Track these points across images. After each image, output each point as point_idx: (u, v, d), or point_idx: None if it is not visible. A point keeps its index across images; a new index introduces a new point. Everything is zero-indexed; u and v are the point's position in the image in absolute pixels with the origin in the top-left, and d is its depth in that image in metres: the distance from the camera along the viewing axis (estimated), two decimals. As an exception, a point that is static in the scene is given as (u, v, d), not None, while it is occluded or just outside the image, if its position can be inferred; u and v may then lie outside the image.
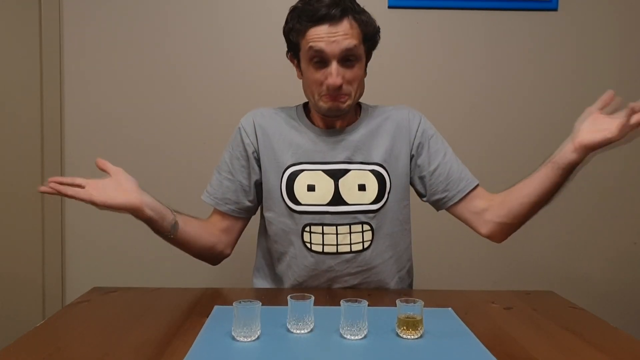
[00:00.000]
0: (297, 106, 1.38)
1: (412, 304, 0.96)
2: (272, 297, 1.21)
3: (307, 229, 1.29)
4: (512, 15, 2.15)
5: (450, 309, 1.14)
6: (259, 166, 1.32)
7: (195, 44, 2.13)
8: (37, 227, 2.14)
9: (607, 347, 0.95)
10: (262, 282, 1.41)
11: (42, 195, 2.13)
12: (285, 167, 1.29)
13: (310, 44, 1.19)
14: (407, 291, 1.38)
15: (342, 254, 1.29)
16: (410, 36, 2.14)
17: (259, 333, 0.94)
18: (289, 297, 0.98)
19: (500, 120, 2.19)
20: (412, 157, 1.34)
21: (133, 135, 2.14)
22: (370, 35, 1.25)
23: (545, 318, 1.11)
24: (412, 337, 0.95)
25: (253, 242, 1.46)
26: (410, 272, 1.44)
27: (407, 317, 0.96)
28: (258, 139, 1.32)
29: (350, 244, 1.29)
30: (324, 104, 1.25)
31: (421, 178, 1.35)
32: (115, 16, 2.11)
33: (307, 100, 1.34)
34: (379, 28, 1.27)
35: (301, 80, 1.31)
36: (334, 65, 1.19)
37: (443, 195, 1.33)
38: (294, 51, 1.28)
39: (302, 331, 0.97)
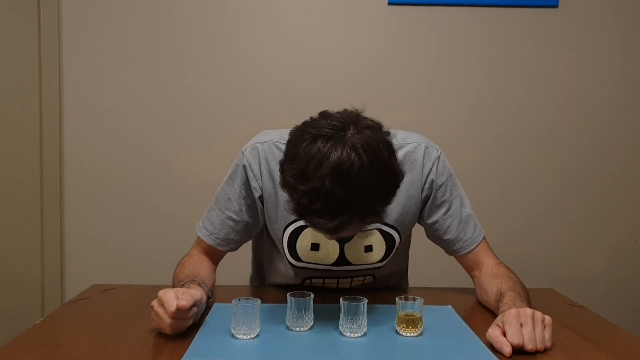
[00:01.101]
0: None
1: (411, 301, 0.96)
2: (272, 294, 1.21)
3: (308, 281, 1.26)
4: (512, 12, 2.15)
5: (449, 306, 1.14)
6: (263, 209, 1.20)
7: (196, 42, 2.12)
8: (36, 224, 2.14)
9: (606, 345, 0.95)
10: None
11: (41, 193, 2.13)
12: (289, 221, 1.18)
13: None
14: (407, 289, 1.38)
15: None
16: (410, 33, 2.14)
17: (258, 330, 0.94)
18: (288, 295, 0.98)
19: (500, 117, 2.19)
20: (420, 207, 1.22)
21: (132, 133, 2.14)
22: (386, 205, 0.96)
23: (544, 316, 1.11)
24: (412, 334, 0.95)
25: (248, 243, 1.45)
26: (405, 274, 1.45)
27: (407, 315, 0.95)
28: (264, 184, 1.16)
29: (351, 287, 1.28)
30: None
31: (421, 224, 1.27)
32: (115, 14, 2.11)
33: None
34: (396, 171, 0.95)
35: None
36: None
37: (439, 246, 1.27)
38: None
39: (302, 329, 0.97)
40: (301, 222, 1.17)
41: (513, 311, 0.91)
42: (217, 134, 2.13)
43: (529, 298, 1.06)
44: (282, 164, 0.95)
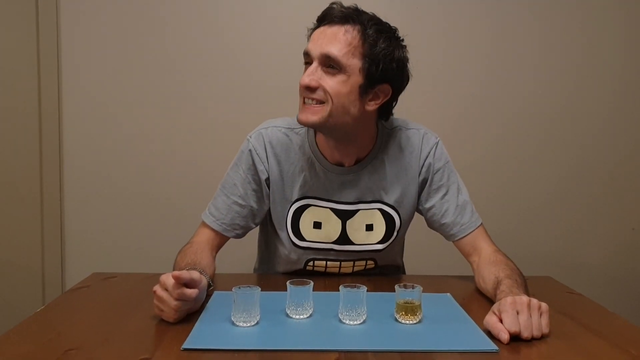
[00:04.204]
0: (307, 128, 1.25)
1: (410, 289, 0.97)
2: (272, 282, 1.21)
3: (311, 263, 1.28)
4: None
5: (448, 294, 1.15)
6: (269, 194, 1.25)
7: (194, 38, 2.11)
8: (36, 213, 2.14)
9: (603, 332, 0.95)
10: None
11: (41, 183, 2.13)
12: (292, 201, 1.23)
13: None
14: (405, 277, 1.39)
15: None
16: (408, 20, 2.12)
17: (258, 318, 0.94)
18: (288, 283, 0.98)
19: (501, 108, 2.19)
20: (418, 191, 1.27)
21: (130, 124, 2.13)
22: (376, 58, 1.09)
23: (542, 303, 1.12)
24: (411, 322, 0.95)
25: (253, 231, 1.45)
26: (401, 265, 1.47)
27: (406, 303, 0.96)
28: (270, 166, 1.23)
29: (353, 273, 1.30)
30: (299, 115, 1.14)
31: (419, 210, 1.31)
32: (112, 11, 2.09)
33: None
34: (401, 59, 1.13)
35: None
36: (312, 65, 1.11)
37: (439, 232, 1.29)
38: None
39: (301, 316, 0.97)
40: (304, 202, 1.22)
41: (509, 299, 0.92)
42: (215, 127, 2.12)
43: (527, 286, 1.06)
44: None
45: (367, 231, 1.24)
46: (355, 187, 1.23)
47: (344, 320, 0.95)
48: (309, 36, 1.16)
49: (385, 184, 1.24)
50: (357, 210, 1.23)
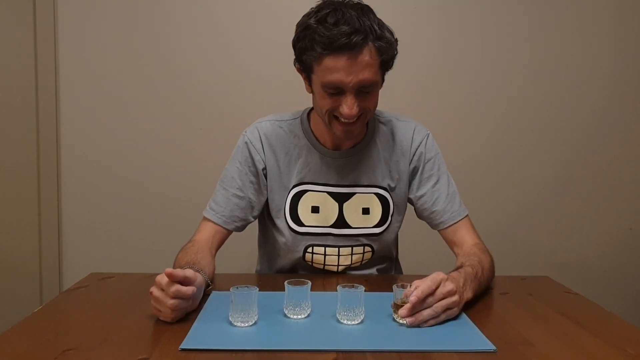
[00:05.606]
0: (300, 117, 1.30)
1: (408, 289, 0.97)
2: (270, 282, 1.21)
3: (310, 249, 1.29)
4: None
5: (446, 294, 1.15)
6: (266, 184, 1.29)
7: (192, 34, 2.11)
8: (33, 213, 2.14)
9: (601, 331, 0.96)
10: None
11: (38, 182, 2.13)
12: (290, 187, 1.27)
13: (327, 75, 1.10)
14: (403, 277, 1.39)
15: (342, 272, 1.32)
16: (407, 19, 2.13)
17: (256, 318, 0.94)
18: (286, 283, 0.98)
19: (496, 107, 2.19)
20: (409, 179, 1.32)
21: (128, 122, 2.13)
22: (388, 59, 1.15)
23: (540, 303, 1.12)
24: (409, 322, 0.96)
25: (253, 230, 1.45)
26: (396, 262, 1.48)
27: (404, 303, 0.96)
28: (266, 156, 1.27)
29: (351, 263, 1.31)
30: (336, 131, 1.18)
31: (409, 199, 1.35)
32: (110, 5, 2.09)
33: (309, 108, 1.30)
34: (397, 50, 1.16)
35: (306, 87, 1.22)
36: (349, 97, 1.11)
37: (428, 220, 1.33)
38: (303, 68, 1.17)
39: (299, 316, 0.97)
40: (301, 187, 1.26)
41: (442, 276, 0.97)
42: (214, 126, 2.12)
43: (486, 282, 1.13)
44: (295, 41, 1.14)
45: (364, 214, 1.28)
46: (351, 170, 1.27)
47: (341, 320, 0.95)
48: (316, 59, 1.10)
49: (380, 168, 1.29)
50: (354, 194, 1.27)
